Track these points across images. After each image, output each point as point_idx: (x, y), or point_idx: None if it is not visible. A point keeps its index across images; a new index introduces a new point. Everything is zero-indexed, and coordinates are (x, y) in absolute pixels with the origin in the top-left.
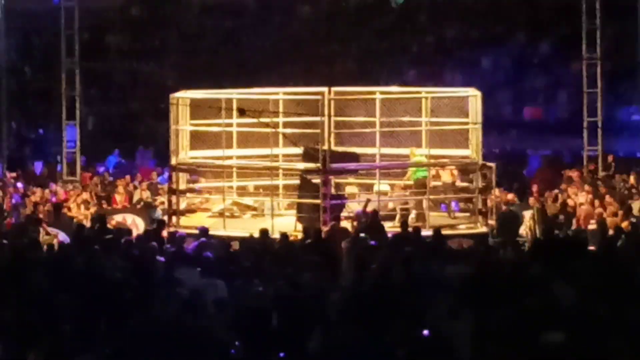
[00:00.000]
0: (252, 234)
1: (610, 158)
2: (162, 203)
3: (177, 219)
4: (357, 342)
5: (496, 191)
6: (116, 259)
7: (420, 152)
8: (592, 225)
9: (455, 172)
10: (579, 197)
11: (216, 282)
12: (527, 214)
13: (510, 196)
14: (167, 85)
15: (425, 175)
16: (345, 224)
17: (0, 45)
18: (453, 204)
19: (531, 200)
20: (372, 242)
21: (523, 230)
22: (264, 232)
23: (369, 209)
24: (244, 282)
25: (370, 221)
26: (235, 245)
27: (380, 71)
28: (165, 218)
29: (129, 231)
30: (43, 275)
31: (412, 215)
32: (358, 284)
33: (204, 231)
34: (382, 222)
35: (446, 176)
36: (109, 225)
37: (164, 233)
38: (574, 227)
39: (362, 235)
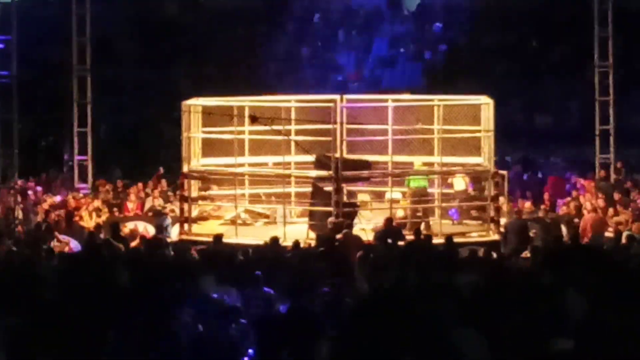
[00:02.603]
0: (265, 242)
1: (619, 164)
2: (172, 211)
3: (189, 226)
4: (367, 350)
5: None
6: (127, 267)
7: (427, 160)
8: (609, 234)
9: (467, 179)
10: (588, 206)
11: (229, 290)
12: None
13: (527, 204)
14: (179, 92)
15: (422, 185)
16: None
17: (12, 52)
18: (453, 212)
19: (542, 208)
20: None
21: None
22: (275, 240)
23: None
24: (256, 290)
25: (387, 227)
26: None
27: (391, 79)
28: (175, 226)
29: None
30: (53, 283)
31: (431, 222)
32: (371, 293)
33: (218, 238)
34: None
35: (458, 184)
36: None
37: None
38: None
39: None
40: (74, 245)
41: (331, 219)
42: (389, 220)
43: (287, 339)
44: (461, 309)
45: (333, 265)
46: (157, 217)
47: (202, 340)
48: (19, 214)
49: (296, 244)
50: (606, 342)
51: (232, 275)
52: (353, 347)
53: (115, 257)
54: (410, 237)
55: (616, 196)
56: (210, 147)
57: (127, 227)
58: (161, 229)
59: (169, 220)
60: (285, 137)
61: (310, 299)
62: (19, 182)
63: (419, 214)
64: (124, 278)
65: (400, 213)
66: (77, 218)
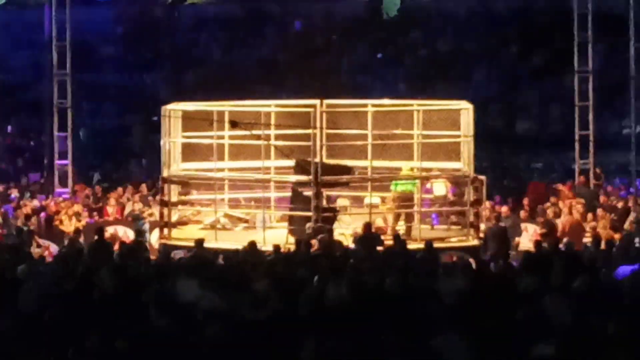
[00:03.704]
0: (243, 247)
1: (598, 170)
2: (151, 215)
3: (168, 231)
4: (350, 355)
5: (487, 204)
6: (109, 272)
7: (408, 165)
8: (587, 239)
9: (449, 184)
10: (566, 211)
11: (209, 295)
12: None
13: (503, 209)
14: (159, 97)
15: (408, 189)
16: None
17: None
18: (433, 217)
19: (522, 213)
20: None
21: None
22: (253, 245)
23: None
24: (236, 295)
25: (365, 233)
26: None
27: (372, 84)
28: (151, 230)
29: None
30: (35, 289)
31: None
32: (353, 297)
33: (199, 243)
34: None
35: (438, 189)
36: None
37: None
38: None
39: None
40: (54, 249)
41: (310, 224)
42: (367, 226)
43: (268, 345)
44: (443, 314)
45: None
46: (134, 220)
47: (180, 344)
48: None
49: (276, 248)
50: (588, 348)
51: (215, 279)
52: (336, 352)
53: (98, 261)
54: (389, 241)
55: (602, 199)
56: (190, 152)
57: (108, 232)
58: (141, 233)
59: (147, 225)
60: (265, 142)
61: (292, 304)
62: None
63: (403, 217)
64: (106, 282)
65: (379, 221)
66: (57, 222)
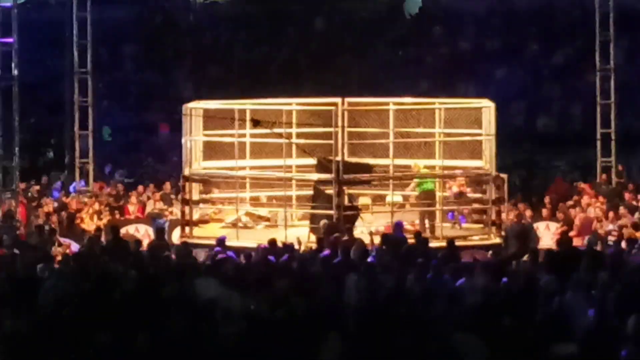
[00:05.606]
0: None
1: (620, 167)
2: (172, 213)
3: (190, 229)
4: (370, 354)
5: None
6: (129, 270)
7: (428, 163)
8: (612, 237)
9: (463, 182)
10: (590, 209)
11: (230, 293)
12: (541, 226)
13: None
14: (181, 95)
15: (431, 188)
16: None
17: (13, 55)
18: (452, 215)
19: (544, 212)
20: None
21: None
22: (273, 243)
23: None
24: (257, 294)
25: (394, 232)
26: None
27: (394, 82)
28: (171, 229)
29: (139, 242)
30: (55, 287)
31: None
32: (371, 296)
33: (221, 241)
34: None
35: (456, 188)
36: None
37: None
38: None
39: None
40: (75, 248)
41: (323, 221)
42: (398, 225)
43: (289, 344)
44: (461, 314)
45: (335, 268)
46: (153, 219)
47: (201, 343)
48: (20, 216)
49: (288, 246)
50: (610, 347)
51: (237, 277)
52: (356, 352)
53: (120, 259)
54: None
55: (627, 196)
56: (211, 150)
57: (126, 230)
58: (161, 232)
59: (166, 224)
60: (287, 141)
61: (311, 303)
62: (21, 185)
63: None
64: (129, 280)
65: (407, 220)
66: (78, 220)
